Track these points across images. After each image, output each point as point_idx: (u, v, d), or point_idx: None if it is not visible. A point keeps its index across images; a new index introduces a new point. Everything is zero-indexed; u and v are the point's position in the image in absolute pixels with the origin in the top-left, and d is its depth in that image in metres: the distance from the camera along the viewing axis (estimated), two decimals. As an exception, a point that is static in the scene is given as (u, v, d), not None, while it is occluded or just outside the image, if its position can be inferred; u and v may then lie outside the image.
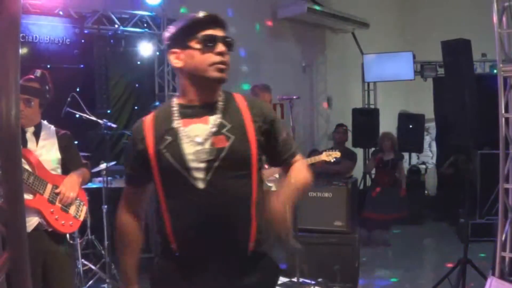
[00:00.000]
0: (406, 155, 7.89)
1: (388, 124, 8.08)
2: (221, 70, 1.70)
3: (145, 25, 5.89)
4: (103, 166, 4.58)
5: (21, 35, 4.10)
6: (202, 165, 1.66)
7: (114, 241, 1.99)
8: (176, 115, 1.74)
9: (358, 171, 7.43)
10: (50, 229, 2.70)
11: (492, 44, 3.68)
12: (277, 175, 4.00)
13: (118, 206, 1.88)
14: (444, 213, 7.67)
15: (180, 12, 5.87)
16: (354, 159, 6.41)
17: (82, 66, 5.64)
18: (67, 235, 2.81)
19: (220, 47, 1.69)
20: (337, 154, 4.29)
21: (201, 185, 1.65)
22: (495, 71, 4.76)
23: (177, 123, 1.72)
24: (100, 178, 4.63)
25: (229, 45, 1.72)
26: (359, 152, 7.97)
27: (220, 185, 1.65)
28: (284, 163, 1.86)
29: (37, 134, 2.77)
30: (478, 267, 4.09)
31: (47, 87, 2.83)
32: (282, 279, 4.33)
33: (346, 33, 8.62)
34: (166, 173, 1.70)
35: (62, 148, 2.84)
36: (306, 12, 7.27)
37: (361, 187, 7.78)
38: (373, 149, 7.47)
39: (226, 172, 1.66)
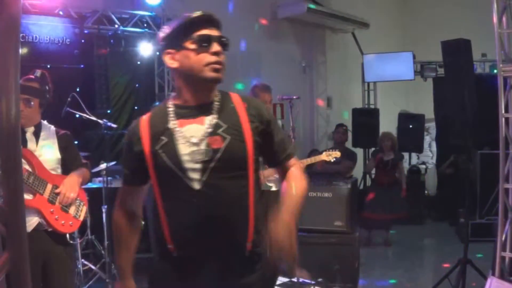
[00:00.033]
0: (406, 155, 7.89)
1: (388, 124, 8.08)
2: (216, 70, 1.68)
3: (145, 25, 5.90)
4: (103, 166, 4.58)
5: (21, 35, 4.09)
6: (198, 166, 1.65)
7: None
8: (172, 115, 1.73)
9: (358, 171, 7.43)
10: (50, 229, 2.69)
11: (492, 44, 3.68)
12: (277, 175, 3.99)
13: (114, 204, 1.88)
14: (444, 213, 7.68)
15: (180, 12, 5.86)
16: (354, 159, 6.41)
17: (82, 66, 5.64)
18: (67, 235, 2.80)
19: (215, 47, 1.68)
20: (337, 154, 4.29)
21: (196, 186, 1.64)
22: (495, 71, 4.77)
23: (172, 123, 1.71)
24: (100, 178, 4.64)
25: (224, 44, 1.71)
26: (359, 152, 7.96)
27: (216, 186, 1.65)
28: (279, 164, 1.85)
29: (37, 134, 2.77)
30: (478, 267, 4.09)
31: (47, 87, 2.82)
32: (282, 279, 4.33)
33: (346, 33, 8.61)
34: (162, 174, 1.69)
35: (62, 148, 2.83)
36: (306, 12, 7.25)
37: (361, 187, 7.78)
38: (373, 149, 7.46)
39: (222, 173, 1.65)
